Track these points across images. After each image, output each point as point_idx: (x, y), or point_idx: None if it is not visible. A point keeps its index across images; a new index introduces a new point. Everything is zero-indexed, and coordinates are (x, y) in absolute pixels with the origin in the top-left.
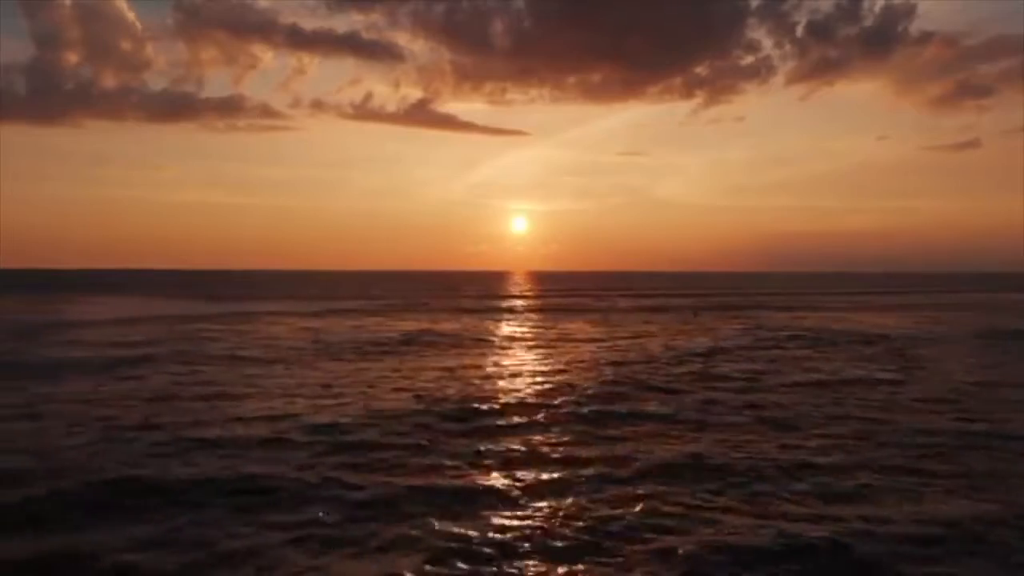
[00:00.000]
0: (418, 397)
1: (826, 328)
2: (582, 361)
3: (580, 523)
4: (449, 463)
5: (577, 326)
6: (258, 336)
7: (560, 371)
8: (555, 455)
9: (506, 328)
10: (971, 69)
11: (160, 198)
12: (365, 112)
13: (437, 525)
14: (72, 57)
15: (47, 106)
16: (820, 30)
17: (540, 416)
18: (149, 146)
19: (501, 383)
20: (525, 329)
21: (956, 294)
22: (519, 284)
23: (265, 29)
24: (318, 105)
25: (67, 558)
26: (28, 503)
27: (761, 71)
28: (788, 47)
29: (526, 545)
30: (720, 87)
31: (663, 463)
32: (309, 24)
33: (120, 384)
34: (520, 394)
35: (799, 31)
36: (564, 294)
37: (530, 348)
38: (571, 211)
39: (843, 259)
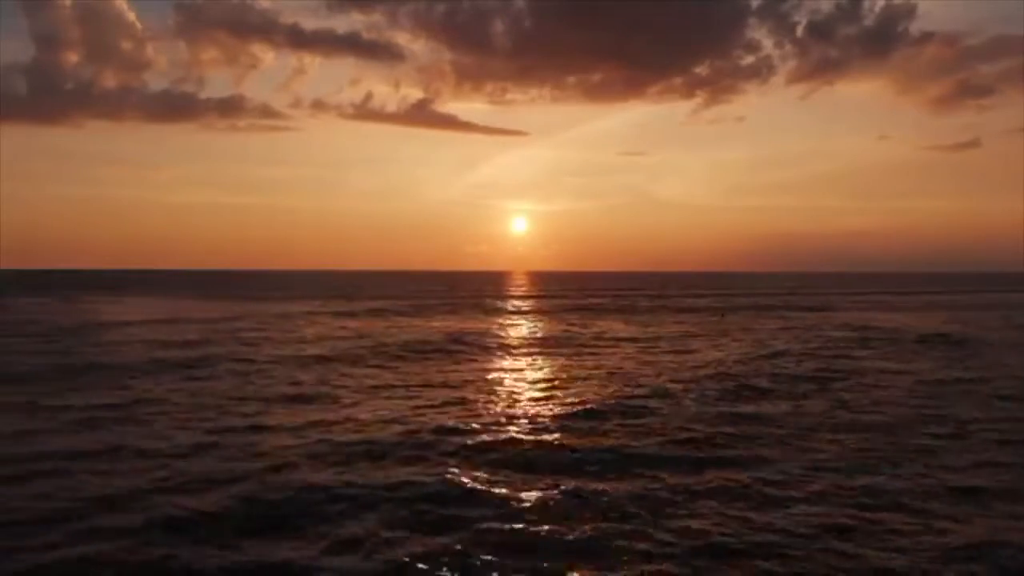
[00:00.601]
0: (549, 399)
1: (868, 327)
2: (666, 360)
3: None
4: None
5: (608, 324)
6: (304, 336)
7: (647, 372)
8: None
9: (546, 328)
10: (971, 69)
11: (160, 198)
12: (365, 112)
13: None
14: (72, 57)
15: (47, 106)
16: (820, 30)
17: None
18: (149, 146)
19: (639, 380)
20: (563, 328)
21: (968, 294)
22: (528, 284)
23: (266, 29)
24: (319, 105)
25: (268, 569)
26: (204, 512)
27: (761, 71)
28: (788, 47)
29: None
30: (721, 87)
31: None
32: (310, 24)
33: (204, 384)
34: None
35: (799, 31)
36: (580, 294)
37: (588, 350)
38: (571, 211)
39: (843, 259)
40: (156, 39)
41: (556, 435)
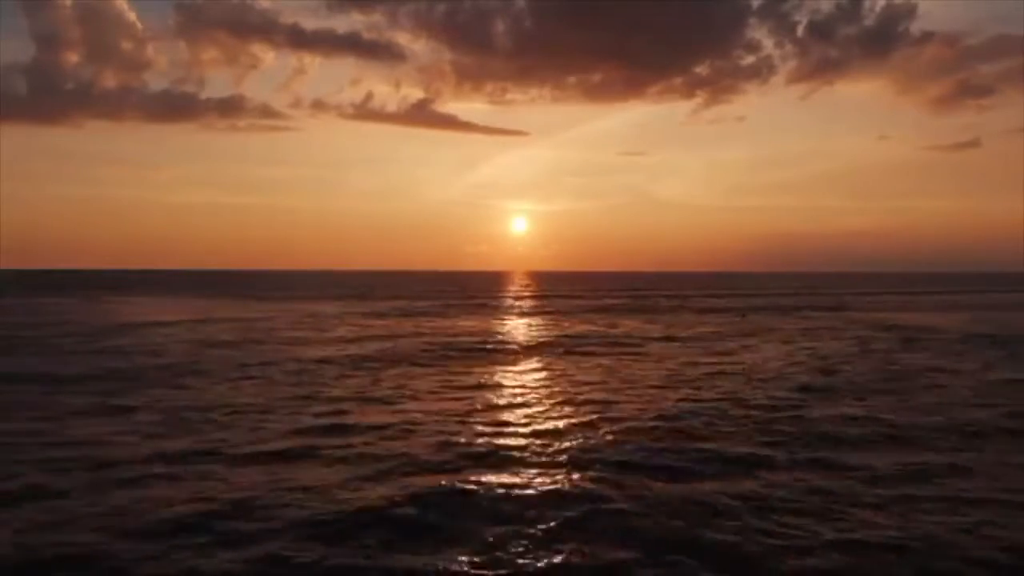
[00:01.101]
0: (638, 400)
1: (898, 326)
2: (726, 361)
3: None
4: None
5: (635, 324)
6: (343, 336)
7: (709, 372)
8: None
9: (576, 327)
10: (971, 69)
11: (160, 198)
12: (366, 112)
13: None
14: (72, 57)
15: (47, 106)
16: (821, 30)
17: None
18: (149, 146)
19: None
20: (592, 328)
21: (980, 295)
22: (535, 284)
23: (266, 29)
24: (319, 105)
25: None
26: (344, 514)
27: (762, 71)
28: (789, 47)
29: None
30: (721, 87)
31: None
32: (310, 24)
33: (265, 385)
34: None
35: (800, 31)
36: (593, 295)
37: (632, 350)
38: (571, 211)
39: (843, 259)
40: (156, 39)
41: (675, 437)
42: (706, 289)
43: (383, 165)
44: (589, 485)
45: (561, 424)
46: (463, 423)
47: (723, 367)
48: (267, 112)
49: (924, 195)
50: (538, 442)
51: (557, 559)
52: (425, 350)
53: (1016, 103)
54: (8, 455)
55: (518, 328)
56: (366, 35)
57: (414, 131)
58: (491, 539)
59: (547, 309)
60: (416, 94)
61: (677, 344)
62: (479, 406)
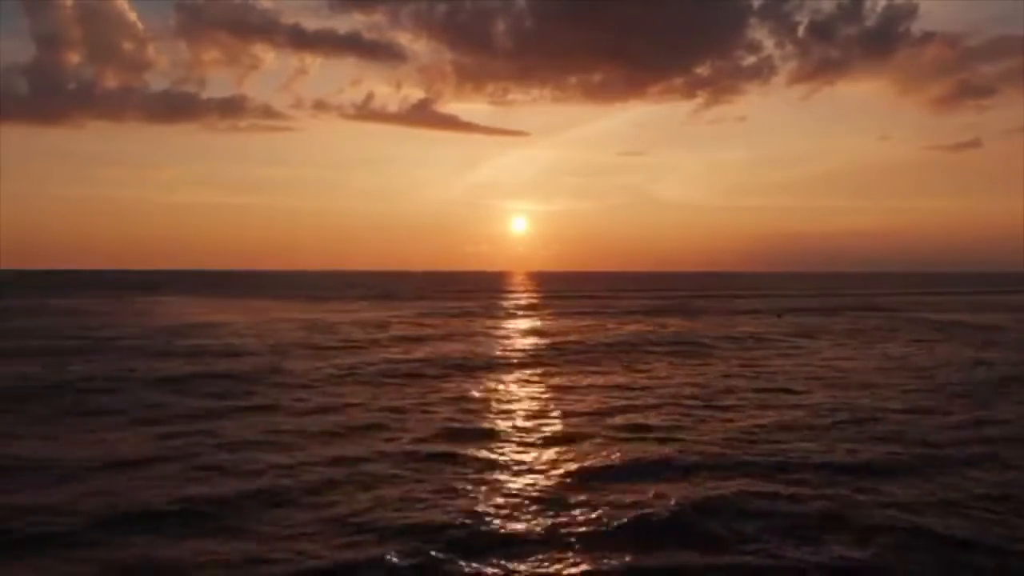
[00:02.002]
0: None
1: (962, 325)
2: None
3: None
4: None
5: (683, 324)
6: (419, 340)
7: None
8: None
9: (632, 328)
10: (972, 69)
11: (161, 199)
12: (367, 112)
13: None
14: (73, 57)
15: (48, 106)
16: (822, 30)
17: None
18: (150, 146)
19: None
20: (643, 328)
21: (1005, 295)
22: (547, 284)
23: (267, 29)
24: (320, 105)
25: None
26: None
27: (763, 71)
28: (790, 47)
29: None
30: (722, 87)
31: None
32: (311, 24)
33: (399, 391)
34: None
35: (801, 31)
36: (614, 295)
37: (704, 350)
38: (571, 211)
39: (844, 259)
40: (157, 39)
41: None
42: (722, 290)
43: (384, 165)
44: None
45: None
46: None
47: (818, 369)
48: (268, 112)
49: (924, 195)
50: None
51: None
52: (538, 355)
53: (1016, 103)
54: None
55: (590, 329)
56: (367, 35)
57: (415, 131)
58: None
59: (585, 309)
60: (417, 94)
61: (748, 345)
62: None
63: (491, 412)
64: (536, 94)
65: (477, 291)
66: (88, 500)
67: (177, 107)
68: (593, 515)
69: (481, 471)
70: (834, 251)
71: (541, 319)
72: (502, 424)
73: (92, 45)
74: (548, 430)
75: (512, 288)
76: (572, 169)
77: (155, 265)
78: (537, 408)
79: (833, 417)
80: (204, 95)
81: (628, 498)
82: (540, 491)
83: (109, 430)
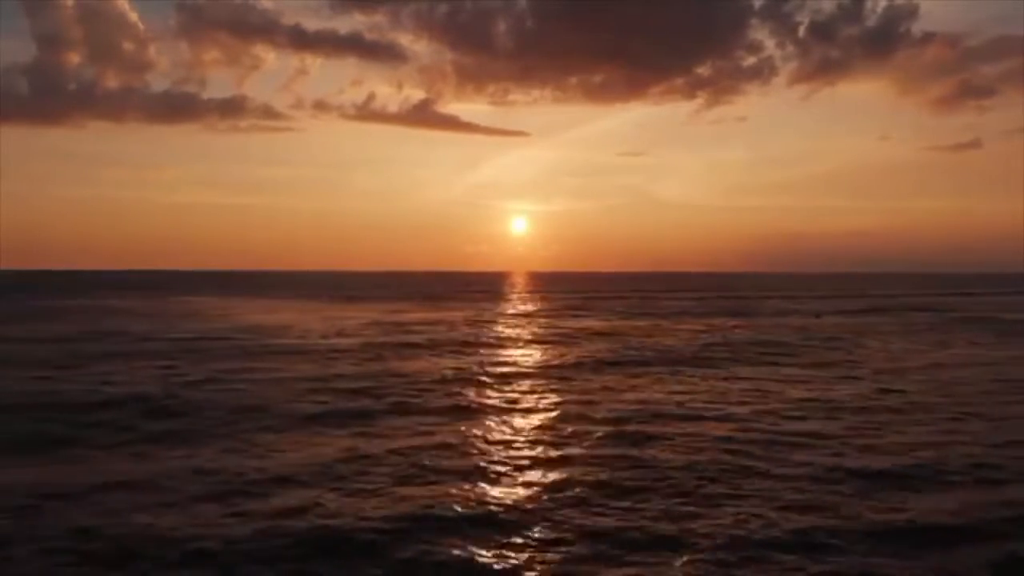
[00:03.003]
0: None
1: None
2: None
3: None
4: None
5: (737, 324)
6: (510, 338)
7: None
8: None
9: (691, 326)
10: (973, 69)
11: (162, 199)
12: (367, 113)
13: None
14: (74, 58)
15: (49, 107)
16: (822, 30)
17: None
18: (151, 147)
19: None
20: (713, 329)
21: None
22: (565, 285)
23: (268, 30)
24: (320, 106)
25: None
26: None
27: (763, 71)
28: (790, 47)
29: None
30: (722, 88)
31: None
32: (312, 25)
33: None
34: None
35: (801, 31)
36: (641, 294)
37: (803, 352)
38: (571, 211)
39: (844, 259)
40: (158, 40)
41: None
42: (739, 291)
43: (384, 166)
44: None
45: None
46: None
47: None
48: (269, 113)
49: (924, 196)
50: None
51: None
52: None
53: (1017, 104)
54: None
55: (663, 331)
56: (368, 36)
57: (415, 132)
58: None
59: (632, 311)
60: (418, 95)
61: (834, 345)
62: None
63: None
64: (537, 94)
65: (504, 292)
66: (387, 506)
67: (178, 107)
68: None
69: None
70: (834, 251)
71: (604, 319)
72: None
73: (93, 45)
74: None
75: (536, 289)
76: (572, 169)
77: (156, 265)
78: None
79: None
80: (205, 95)
81: None
82: None
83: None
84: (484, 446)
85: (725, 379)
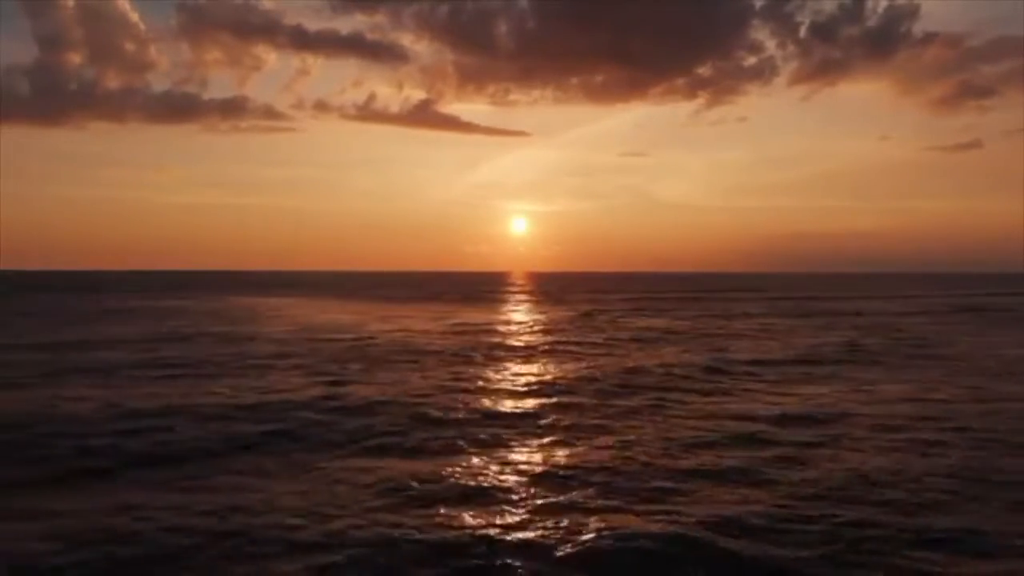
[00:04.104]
0: None
1: None
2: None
3: None
4: None
5: (791, 324)
6: (659, 341)
7: None
8: None
9: (742, 326)
10: (973, 70)
11: (162, 199)
12: (368, 113)
13: None
14: (75, 58)
15: (50, 107)
16: (823, 31)
17: None
18: (152, 147)
19: None
20: (777, 337)
21: None
22: (579, 285)
23: (269, 30)
24: (321, 106)
25: None
26: None
27: (764, 72)
28: (791, 48)
29: None
30: (723, 88)
31: None
32: (313, 25)
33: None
34: None
35: (802, 32)
36: (675, 294)
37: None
38: (572, 212)
39: (845, 259)
40: (159, 40)
41: None
42: (757, 291)
43: (385, 166)
44: None
45: None
46: None
47: None
48: (269, 113)
49: (925, 196)
50: None
51: None
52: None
53: (1017, 104)
54: None
55: (757, 332)
56: (369, 36)
57: (416, 132)
58: None
59: (686, 314)
60: (418, 95)
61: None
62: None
63: None
64: (537, 95)
65: (539, 292)
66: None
67: (178, 108)
68: None
69: None
70: (835, 251)
71: (676, 319)
72: None
73: (94, 46)
74: None
75: (571, 288)
76: (573, 169)
77: (156, 266)
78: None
79: None
80: (206, 96)
81: None
82: None
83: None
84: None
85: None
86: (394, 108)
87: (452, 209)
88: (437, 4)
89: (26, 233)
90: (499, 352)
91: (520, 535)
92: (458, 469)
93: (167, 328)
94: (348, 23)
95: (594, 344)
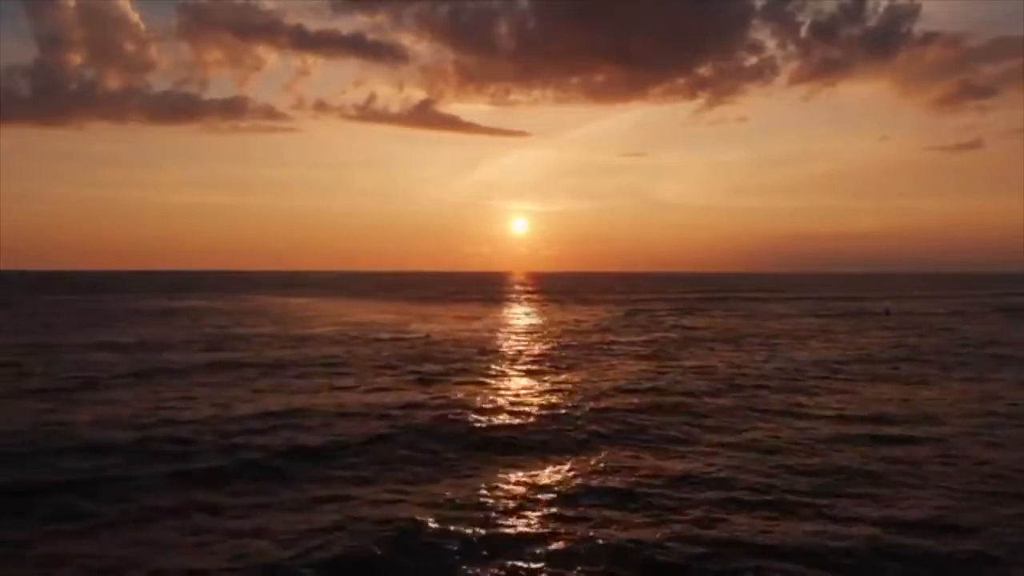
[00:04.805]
0: None
1: None
2: None
3: None
4: None
5: (805, 322)
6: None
7: None
8: None
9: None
10: (973, 70)
11: (162, 199)
12: (368, 113)
13: None
14: (75, 58)
15: (50, 107)
16: (824, 31)
17: None
18: (152, 147)
19: None
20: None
21: None
22: (592, 285)
23: (270, 30)
24: (321, 106)
25: None
26: None
27: (764, 72)
28: (792, 48)
29: None
30: (723, 88)
31: None
32: (314, 25)
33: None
34: None
35: (803, 32)
36: (697, 293)
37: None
38: (572, 212)
39: (846, 259)
40: (160, 40)
41: None
42: (767, 291)
43: (385, 166)
44: None
45: None
46: None
47: None
48: (270, 113)
49: (925, 196)
50: None
51: None
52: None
53: (1017, 104)
54: None
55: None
56: (370, 36)
57: (416, 132)
58: None
59: (726, 313)
60: (419, 95)
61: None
62: None
63: None
64: (538, 95)
65: (554, 293)
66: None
67: (179, 108)
68: None
69: None
70: (835, 251)
71: (712, 318)
72: None
73: (94, 46)
74: None
75: (583, 289)
76: (573, 170)
77: (156, 266)
78: None
79: None
80: (206, 96)
81: None
82: None
83: None
84: None
85: None
86: (394, 108)
87: (452, 209)
88: (438, 4)
89: (26, 233)
90: (592, 353)
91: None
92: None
93: (211, 329)
94: (349, 23)
95: (649, 342)
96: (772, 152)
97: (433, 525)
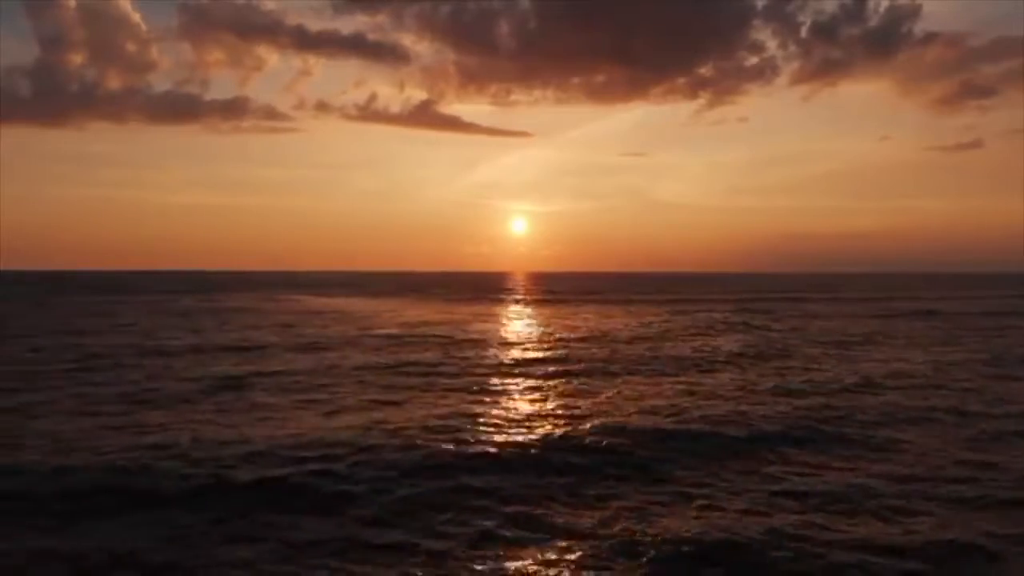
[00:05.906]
0: None
1: None
2: None
3: None
4: None
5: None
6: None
7: None
8: None
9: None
10: (974, 70)
11: (163, 200)
12: (369, 113)
13: None
14: (76, 58)
15: (51, 107)
16: (825, 30)
17: None
18: (153, 148)
19: None
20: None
21: None
22: (601, 285)
23: (271, 30)
24: (322, 107)
25: None
26: None
27: (765, 72)
28: (792, 48)
29: None
30: (724, 88)
31: None
32: (315, 26)
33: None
34: None
35: (804, 32)
36: (704, 295)
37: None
38: (573, 212)
39: (846, 259)
40: (160, 40)
41: None
42: (788, 291)
43: (386, 166)
44: None
45: None
46: None
47: None
48: (271, 113)
49: (926, 196)
50: None
51: None
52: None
53: (1018, 104)
54: None
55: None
56: (371, 36)
57: (417, 132)
58: None
59: (791, 313)
60: (420, 95)
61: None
62: None
63: None
64: (538, 95)
65: (569, 294)
66: None
67: (180, 108)
68: None
69: None
70: (835, 251)
71: (759, 321)
72: None
73: (95, 46)
74: None
75: (599, 289)
76: (574, 170)
77: (156, 266)
78: None
79: None
80: (207, 96)
81: None
82: None
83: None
84: None
85: None
86: (395, 108)
87: (452, 209)
88: (439, 4)
89: (26, 233)
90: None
91: None
92: None
93: (298, 329)
94: (350, 23)
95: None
96: (772, 152)
97: None
